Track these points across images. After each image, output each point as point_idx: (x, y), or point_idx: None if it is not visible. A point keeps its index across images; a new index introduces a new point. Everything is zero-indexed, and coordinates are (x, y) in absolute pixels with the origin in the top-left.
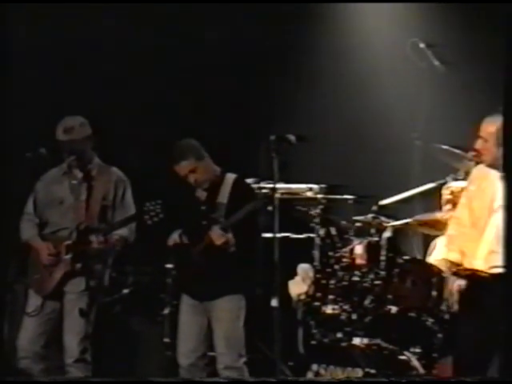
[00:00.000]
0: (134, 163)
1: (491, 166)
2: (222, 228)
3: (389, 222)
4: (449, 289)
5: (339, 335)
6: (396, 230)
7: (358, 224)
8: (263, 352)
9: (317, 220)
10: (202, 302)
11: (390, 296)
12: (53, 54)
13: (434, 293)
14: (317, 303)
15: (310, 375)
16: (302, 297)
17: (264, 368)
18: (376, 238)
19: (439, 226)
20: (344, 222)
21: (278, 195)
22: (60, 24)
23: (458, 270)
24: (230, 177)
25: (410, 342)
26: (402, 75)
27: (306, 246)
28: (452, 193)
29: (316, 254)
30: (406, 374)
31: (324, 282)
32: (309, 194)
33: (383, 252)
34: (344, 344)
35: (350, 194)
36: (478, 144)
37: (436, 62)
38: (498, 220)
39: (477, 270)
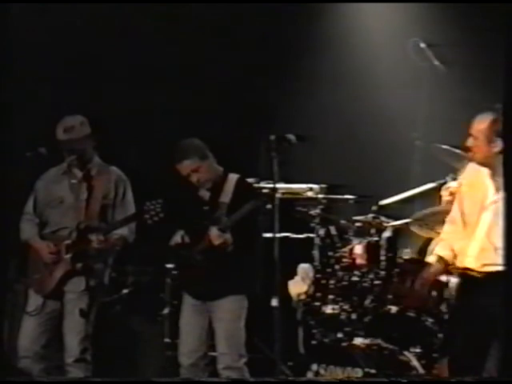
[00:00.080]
0: (134, 162)
1: (482, 163)
2: (219, 229)
3: (389, 222)
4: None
5: (339, 335)
6: (396, 229)
7: (358, 224)
8: (263, 352)
9: (317, 220)
10: (203, 302)
11: (389, 296)
12: (53, 54)
13: (434, 293)
14: (317, 303)
15: (309, 375)
16: (302, 297)
17: (264, 368)
18: (376, 238)
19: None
20: (344, 222)
21: (278, 195)
22: (60, 24)
23: (450, 269)
24: (233, 177)
25: (410, 341)
26: (403, 75)
27: (306, 246)
28: (451, 193)
29: (316, 253)
30: (405, 374)
31: (324, 281)
32: (309, 193)
33: (383, 252)
34: (344, 344)
35: (350, 194)
36: (469, 142)
37: (436, 62)
38: (489, 217)
39: (468, 269)
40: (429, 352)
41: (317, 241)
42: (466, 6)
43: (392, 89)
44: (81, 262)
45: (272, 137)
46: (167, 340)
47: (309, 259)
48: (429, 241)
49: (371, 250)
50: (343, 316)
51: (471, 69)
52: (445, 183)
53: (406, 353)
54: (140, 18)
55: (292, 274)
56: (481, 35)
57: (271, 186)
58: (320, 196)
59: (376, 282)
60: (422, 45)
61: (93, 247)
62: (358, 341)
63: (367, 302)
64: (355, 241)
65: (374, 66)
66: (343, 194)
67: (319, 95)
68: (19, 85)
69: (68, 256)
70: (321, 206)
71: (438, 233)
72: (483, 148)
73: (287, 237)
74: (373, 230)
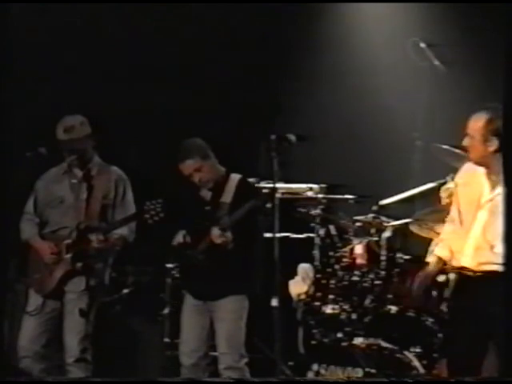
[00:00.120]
0: (134, 162)
1: (478, 163)
2: (220, 228)
3: (389, 222)
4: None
5: (339, 335)
6: (396, 229)
7: (358, 224)
8: (263, 352)
9: (317, 220)
10: (204, 302)
11: (389, 296)
12: (53, 54)
13: (434, 293)
14: (317, 303)
15: (310, 375)
16: (302, 296)
17: (264, 368)
18: (376, 238)
19: (439, 224)
20: (343, 221)
21: (278, 195)
22: (60, 24)
23: (446, 268)
24: (235, 177)
25: (410, 341)
26: (403, 75)
27: (307, 246)
28: (450, 195)
29: (316, 253)
30: (406, 373)
31: (324, 281)
32: (309, 193)
33: (383, 252)
34: (344, 344)
35: (351, 194)
36: (465, 141)
37: (436, 62)
38: (484, 216)
39: (464, 267)
40: (429, 352)
41: (317, 241)
42: (466, 5)
43: (392, 89)
44: (81, 261)
45: (272, 137)
46: (167, 340)
47: (309, 259)
48: (429, 241)
49: (371, 249)
50: (343, 316)
51: (471, 69)
52: (445, 183)
53: (406, 353)
54: (140, 18)
55: (292, 273)
56: (481, 35)
57: (271, 185)
58: (320, 196)
59: (376, 282)
60: (422, 45)
61: (93, 247)
62: (358, 341)
63: (367, 301)
64: (355, 241)
65: (374, 66)
66: (343, 194)
67: (319, 95)
68: (19, 85)
69: (68, 256)
70: (321, 206)
71: (438, 233)
72: (479, 147)
73: (287, 237)
74: (373, 230)
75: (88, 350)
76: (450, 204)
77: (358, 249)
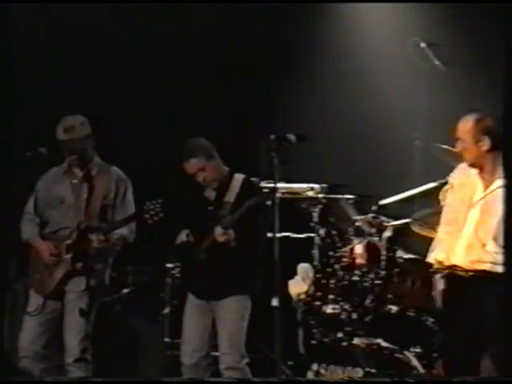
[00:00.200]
0: (134, 162)
1: (473, 164)
2: (223, 226)
3: (389, 222)
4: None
5: (339, 335)
6: (396, 229)
7: (358, 224)
8: (263, 352)
9: (317, 219)
10: (207, 302)
11: (390, 296)
12: (53, 54)
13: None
14: (317, 303)
15: (310, 375)
16: (302, 296)
17: (264, 368)
18: (376, 238)
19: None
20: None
21: (278, 195)
22: (60, 24)
23: (439, 268)
24: (239, 177)
25: (410, 341)
26: (403, 75)
27: (306, 246)
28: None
29: (316, 253)
30: (406, 373)
31: (324, 281)
32: (309, 193)
33: (383, 252)
34: (344, 344)
35: (351, 194)
36: (458, 146)
37: (436, 62)
38: (476, 214)
39: (456, 266)
40: (429, 352)
41: (317, 240)
42: (466, 5)
43: (392, 88)
44: (81, 261)
45: (272, 137)
46: (167, 340)
47: (309, 259)
48: (430, 240)
49: (371, 249)
50: (343, 316)
51: (471, 69)
52: (445, 183)
53: (406, 352)
54: (140, 18)
55: (292, 273)
56: (481, 35)
57: (272, 185)
58: (320, 196)
59: (376, 282)
60: (422, 44)
61: (93, 247)
62: (358, 340)
63: (367, 301)
64: (355, 240)
65: (374, 66)
66: (343, 194)
67: (319, 95)
68: (19, 85)
69: (68, 256)
70: (321, 206)
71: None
72: (472, 148)
73: (287, 236)
74: (373, 230)
75: (88, 349)
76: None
77: (358, 249)
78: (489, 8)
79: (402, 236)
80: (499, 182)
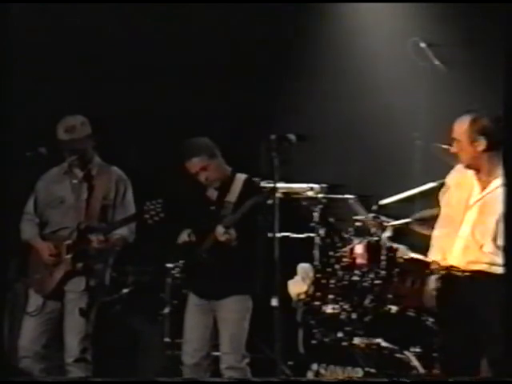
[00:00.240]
0: (134, 162)
1: (469, 166)
2: (224, 226)
3: (389, 222)
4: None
5: (339, 335)
6: (396, 229)
7: (358, 223)
8: (263, 352)
9: (317, 219)
10: (209, 302)
11: (390, 295)
12: (53, 53)
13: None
14: (317, 303)
15: (310, 375)
16: (302, 296)
17: (264, 368)
18: (376, 238)
19: None
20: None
21: (278, 195)
22: (60, 23)
23: (434, 269)
24: (241, 177)
25: (410, 341)
26: (403, 75)
27: (306, 246)
28: None
29: (316, 253)
30: (406, 373)
31: (324, 281)
32: (309, 193)
33: (383, 252)
34: (344, 343)
35: (351, 194)
36: (454, 147)
37: (436, 62)
38: (473, 216)
39: (452, 266)
40: (429, 352)
41: (317, 240)
42: (466, 5)
43: (392, 88)
44: (81, 261)
45: (272, 136)
46: (167, 339)
47: (309, 259)
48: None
49: (371, 249)
50: (343, 316)
51: (471, 69)
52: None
53: (406, 352)
54: (140, 18)
55: (292, 273)
56: (481, 35)
57: (272, 185)
58: (320, 196)
59: (376, 282)
60: (422, 44)
61: (93, 247)
62: (358, 340)
63: (367, 301)
64: (355, 240)
65: (374, 66)
66: (344, 194)
67: (319, 95)
68: (19, 85)
69: (68, 256)
70: (321, 206)
71: None
72: (468, 149)
73: (287, 236)
74: (373, 230)
75: (88, 349)
76: None
77: (358, 248)
78: (489, 8)
79: (402, 236)
80: (496, 183)
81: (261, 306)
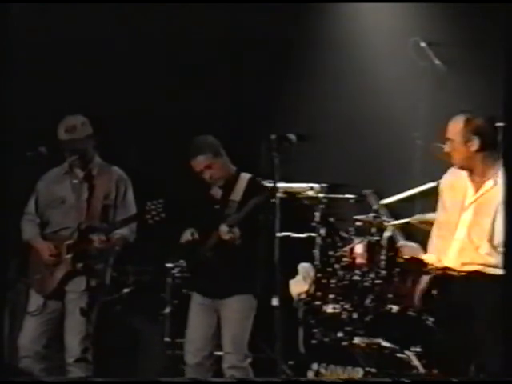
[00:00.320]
0: (134, 162)
1: (462, 166)
2: (228, 224)
3: (390, 222)
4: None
5: (340, 334)
6: (397, 229)
7: (358, 223)
8: (264, 351)
9: (318, 219)
10: (212, 300)
11: (390, 295)
12: (53, 53)
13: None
14: (317, 302)
15: (310, 374)
16: (303, 296)
17: (265, 367)
18: (377, 238)
19: None
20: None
21: (279, 194)
22: (60, 23)
23: (430, 270)
24: (245, 176)
25: (411, 341)
26: (403, 74)
27: (307, 245)
28: None
29: (317, 253)
30: (406, 373)
31: (325, 281)
32: (310, 193)
33: (384, 251)
34: (344, 343)
35: (351, 194)
36: (447, 147)
37: (437, 61)
38: (468, 217)
39: (448, 268)
40: (429, 351)
41: (318, 240)
42: (466, 5)
43: (392, 88)
44: (82, 261)
45: (273, 136)
46: (168, 339)
47: (309, 258)
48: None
49: (372, 249)
50: (344, 315)
51: (471, 69)
52: None
53: (406, 352)
54: (140, 18)
55: (293, 273)
56: (481, 35)
57: (272, 185)
58: (321, 195)
59: (377, 282)
60: (423, 44)
61: (94, 247)
62: (358, 340)
63: (368, 301)
64: (356, 240)
65: (375, 66)
66: (344, 194)
67: (320, 95)
68: (19, 85)
69: (69, 256)
70: (322, 206)
71: None
72: (461, 149)
73: (288, 236)
74: (374, 230)
75: (89, 349)
76: None
77: (359, 248)
78: (489, 8)
79: (402, 235)
80: (490, 184)
81: (261, 305)
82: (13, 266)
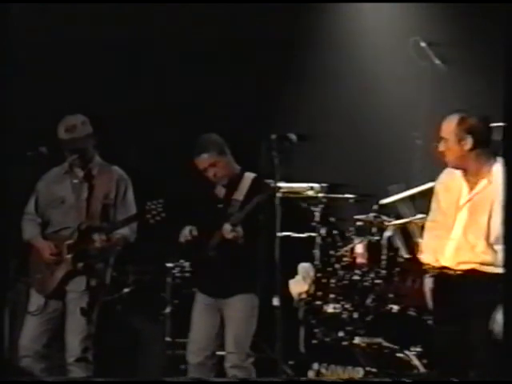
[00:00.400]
0: (134, 162)
1: (456, 165)
2: (231, 223)
3: (390, 221)
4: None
5: (340, 334)
6: (397, 229)
7: (359, 223)
8: (264, 351)
9: (318, 219)
10: (215, 300)
11: (390, 295)
12: (53, 53)
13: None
14: (318, 302)
15: (311, 374)
16: (303, 296)
17: (265, 367)
18: (377, 237)
19: None
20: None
21: (279, 194)
22: (60, 23)
23: (428, 269)
24: (249, 176)
25: (411, 341)
26: (403, 74)
27: (307, 245)
28: None
29: (317, 252)
30: (406, 373)
31: (325, 281)
32: (310, 193)
33: (384, 251)
34: (345, 343)
35: (351, 193)
36: (441, 146)
37: (437, 61)
38: (464, 217)
39: (445, 267)
40: (430, 351)
41: (318, 240)
42: (466, 5)
43: (393, 88)
44: (82, 261)
45: (273, 136)
46: (168, 339)
47: (310, 258)
48: None
49: (372, 249)
50: (344, 315)
51: (471, 69)
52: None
53: (406, 352)
54: (140, 18)
55: (293, 273)
56: (481, 35)
57: (275, 185)
58: (321, 195)
59: (377, 281)
60: (423, 44)
61: (94, 247)
62: (359, 340)
63: (368, 301)
64: (356, 240)
65: (375, 66)
66: (344, 193)
67: (320, 94)
68: (19, 85)
69: (69, 256)
70: (322, 205)
71: None
72: (454, 148)
73: (288, 236)
74: (374, 229)
75: (89, 349)
76: None
77: (359, 248)
78: (489, 8)
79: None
80: (484, 183)
81: (262, 305)
82: (13, 265)
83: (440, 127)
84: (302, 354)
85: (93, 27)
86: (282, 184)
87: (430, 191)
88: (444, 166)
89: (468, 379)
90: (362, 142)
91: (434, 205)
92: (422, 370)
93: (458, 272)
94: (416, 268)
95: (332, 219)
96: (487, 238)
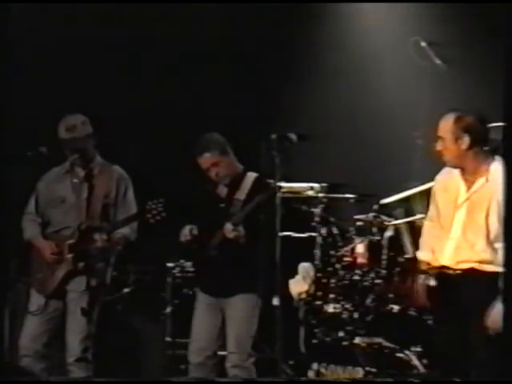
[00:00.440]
0: (135, 161)
1: (453, 164)
2: (233, 223)
3: (390, 221)
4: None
5: (340, 334)
6: (397, 228)
7: (359, 223)
8: (264, 351)
9: (318, 219)
10: (217, 300)
11: (391, 295)
12: (53, 53)
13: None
14: (318, 302)
15: (310, 374)
16: (303, 296)
17: (265, 367)
18: (377, 237)
19: None
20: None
21: (279, 194)
22: (60, 23)
23: (427, 268)
24: (251, 175)
25: (411, 340)
26: (404, 74)
27: (307, 245)
28: None
29: (317, 252)
30: (406, 373)
31: (325, 280)
32: (310, 192)
33: (384, 251)
34: (345, 343)
35: (352, 193)
36: (438, 145)
37: (437, 61)
38: (462, 216)
39: (444, 267)
40: (430, 351)
41: (318, 240)
42: (466, 5)
43: (393, 87)
44: (83, 261)
45: (273, 136)
46: (168, 339)
47: (310, 258)
48: None
49: (372, 249)
50: (344, 315)
51: (471, 69)
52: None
53: (407, 352)
54: (140, 18)
55: (293, 272)
56: (481, 35)
57: (276, 184)
58: (321, 195)
59: (377, 281)
60: (423, 44)
61: (95, 246)
62: (359, 340)
63: (368, 300)
64: (357, 240)
65: (375, 65)
66: (344, 193)
67: (320, 94)
68: (19, 85)
69: (70, 255)
70: (322, 205)
71: None
72: (451, 147)
73: (288, 236)
74: (374, 229)
75: (89, 349)
76: None
77: (359, 248)
78: (489, 8)
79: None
80: (481, 181)
81: (262, 305)
82: (13, 265)
83: (437, 126)
84: (302, 353)
85: (93, 27)
86: (282, 184)
87: (431, 191)
88: (443, 165)
89: (468, 379)
90: (361, 142)
91: (432, 204)
92: (422, 369)
93: (458, 271)
94: (416, 268)
95: (332, 219)
96: (486, 236)
